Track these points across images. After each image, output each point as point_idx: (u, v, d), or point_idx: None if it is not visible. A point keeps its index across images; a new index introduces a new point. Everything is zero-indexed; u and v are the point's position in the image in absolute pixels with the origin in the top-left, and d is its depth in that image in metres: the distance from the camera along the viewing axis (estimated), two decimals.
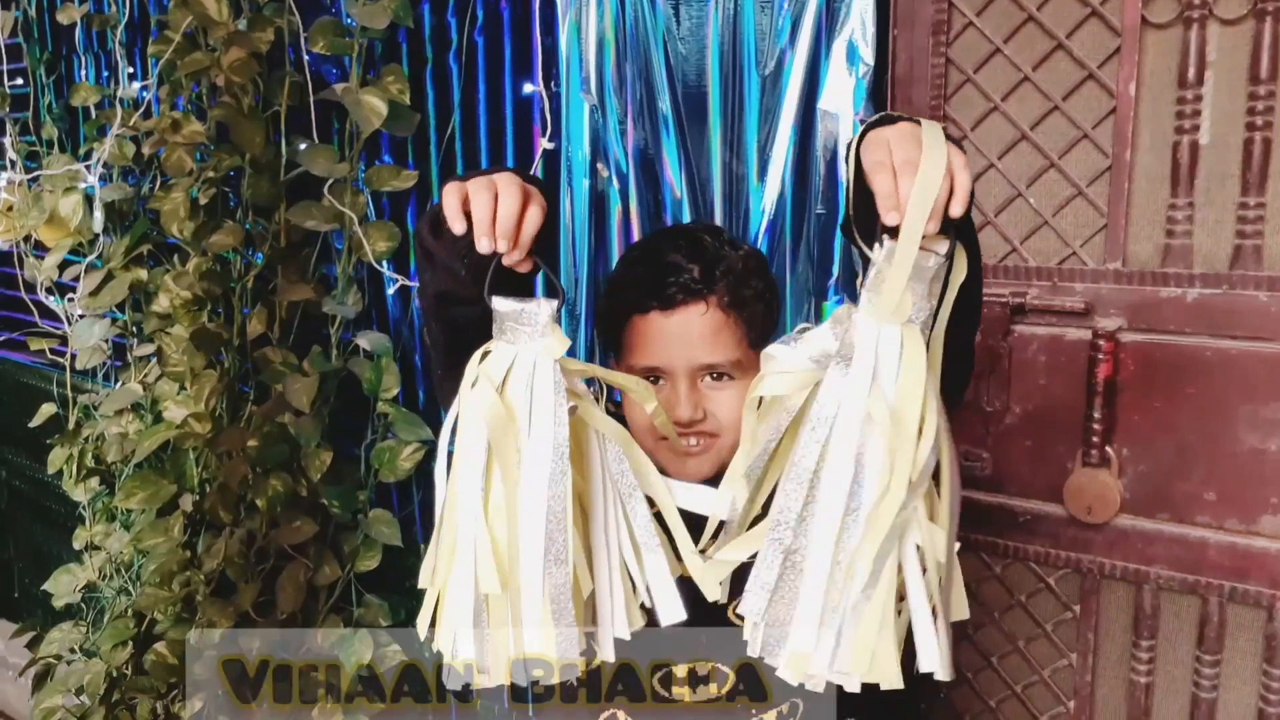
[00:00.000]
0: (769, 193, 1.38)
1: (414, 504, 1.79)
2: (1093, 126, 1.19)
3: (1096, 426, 1.20)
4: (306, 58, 1.61)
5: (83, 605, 2.22)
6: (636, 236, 1.40)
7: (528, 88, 1.47)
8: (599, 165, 1.41)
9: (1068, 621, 1.30)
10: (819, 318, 1.42)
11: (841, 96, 1.35)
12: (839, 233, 1.38)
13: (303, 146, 1.61)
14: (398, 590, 1.80)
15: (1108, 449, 1.20)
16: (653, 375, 0.94)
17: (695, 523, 0.88)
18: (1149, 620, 1.23)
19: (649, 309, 0.93)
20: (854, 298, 1.39)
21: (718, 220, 1.40)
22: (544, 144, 1.44)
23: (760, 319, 0.97)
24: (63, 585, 2.22)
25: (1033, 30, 1.22)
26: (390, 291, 1.70)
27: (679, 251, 0.94)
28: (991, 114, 1.26)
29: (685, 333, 0.93)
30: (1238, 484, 1.14)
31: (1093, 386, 1.20)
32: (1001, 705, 1.37)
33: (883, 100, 1.33)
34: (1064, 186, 1.22)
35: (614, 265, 1.01)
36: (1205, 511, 1.17)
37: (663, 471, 0.92)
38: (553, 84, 1.43)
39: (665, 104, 1.36)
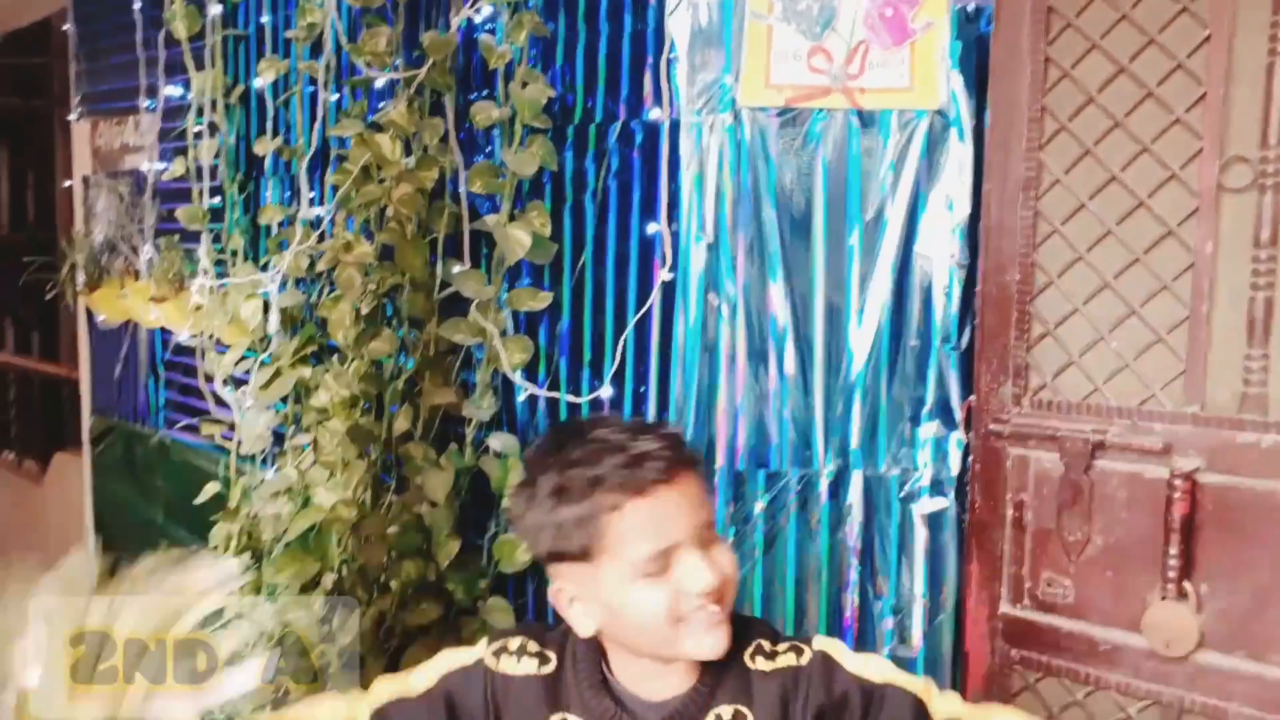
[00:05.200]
0: (867, 326, 1.51)
1: (528, 594, 1.93)
2: (1172, 279, 1.28)
3: (1174, 562, 1.26)
4: (464, 192, 1.85)
5: None
6: (742, 360, 1.55)
7: (651, 226, 1.66)
8: (711, 295, 1.57)
9: None
10: (912, 442, 1.52)
11: (937, 242, 1.48)
12: (930, 362, 1.50)
13: (456, 269, 1.84)
14: None
15: (1185, 584, 1.25)
16: (658, 563, 0.90)
17: None
18: None
19: (647, 490, 0.89)
20: (946, 423, 1.49)
21: (819, 348, 1.53)
22: (664, 275, 1.61)
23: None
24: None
25: (1117, 189, 1.33)
26: (521, 399, 1.89)
27: (638, 438, 0.92)
28: (1077, 263, 1.36)
29: (687, 499, 0.92)
30: None
31: (1170, 523, 1.26)
32: None
33: (976, 246, 1.45)
34: (1145, 333, 1.31)
35: (530, 479, 0.95)
36: None
37: (673, 659, 0.94)
38: (673, 224, 1.61)
39: (774, 245, 1.52)
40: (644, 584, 0.90)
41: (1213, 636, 1.24)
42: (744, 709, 0.94)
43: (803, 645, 0.98)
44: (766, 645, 0.97)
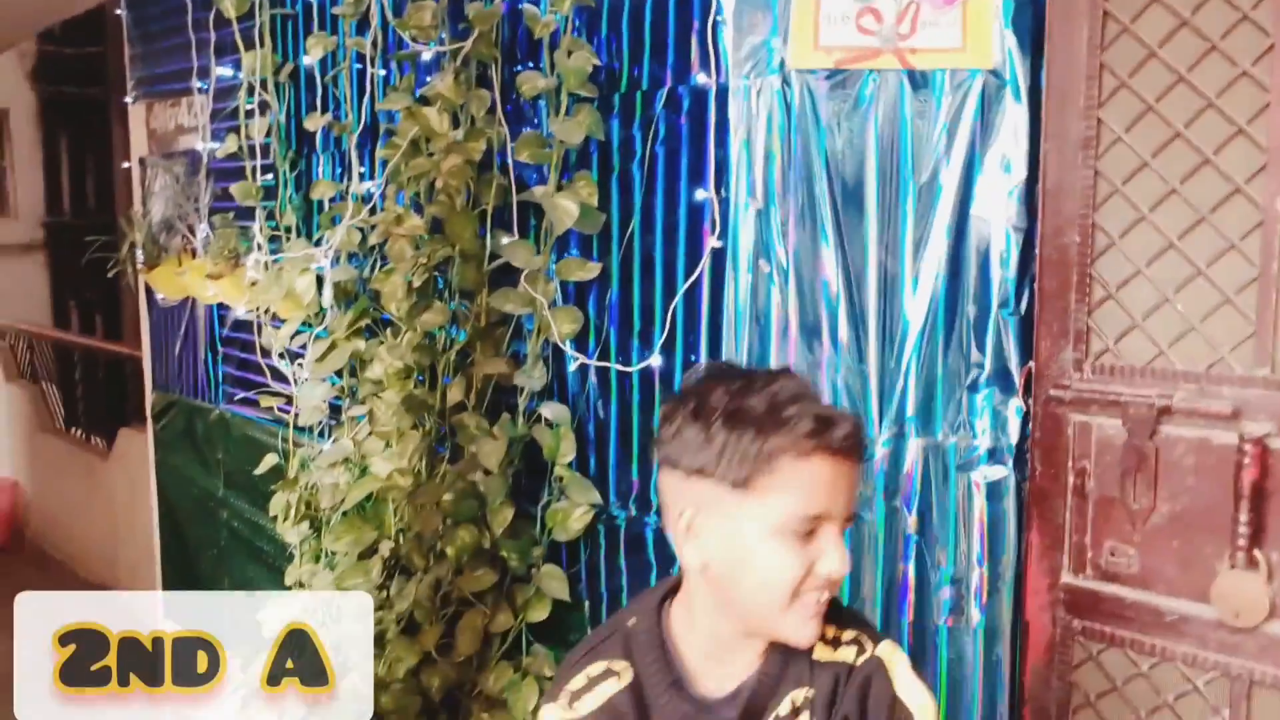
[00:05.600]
0: (922, 292, 1.48)
1: (581, 562, 1.95)
2: (1240, 238, 1.24)
3: (1244, 530, 1.22)
4: (511, 163, 1.85)
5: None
6: (794, 328, 1.53)
7: (700, 193, 1.64)
8: (761, 262, 1.55)
9: None
10: (970, 409, 1.49)
11: (993, 205, 1.44)
12: (988, 328, 1.47)
13: (505, 240, 1.85)
14: (563, 642, 1.95)
15: (1256, 553, 1.22)
16: (807, 526, 0.89)
17: None
18: None
19: (836, 453, 0.88)
20: (1003, 390, 1.46)
21: (872, 315, 1.51)
22: (713, 242, 1.60)
23: None
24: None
25: (1180, 146, 1.29)
26: (571, 369, 1.89)
27: (826, 404, 0.92)
28: (1140, 223, 1.32)
29: (849, 480, 0.90)
30: None
31: (1240, 490, 1.22)
32: None
33: (1034, 209, 1.41)
34: (1212, 294, 1.27)
35: (740, 397, 0.90)
36: None
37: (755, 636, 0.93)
38: (722, 190, 1.59)
39: (825, 209, 1.49)
40: (780, 541, 0.88)
41: None
42: (811, 691, 0.93)
43: (866, 644, 0.95)
44: (830, 632, 0.95)
